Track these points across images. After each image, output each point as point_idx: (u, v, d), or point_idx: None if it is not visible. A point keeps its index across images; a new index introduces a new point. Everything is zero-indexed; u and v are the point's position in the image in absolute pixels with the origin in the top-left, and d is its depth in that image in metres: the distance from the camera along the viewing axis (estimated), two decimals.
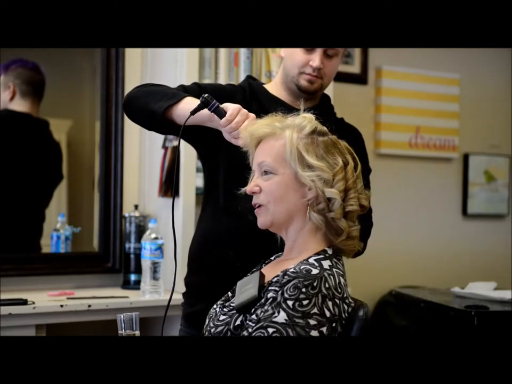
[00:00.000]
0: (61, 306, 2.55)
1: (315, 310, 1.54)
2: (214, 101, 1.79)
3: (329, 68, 2.03)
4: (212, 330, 1.66)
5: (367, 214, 1.79)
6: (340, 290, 1.60)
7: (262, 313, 1.57)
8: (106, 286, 2.98)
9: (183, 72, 2.81)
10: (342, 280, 1.63)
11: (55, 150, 3.05)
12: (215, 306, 1.75)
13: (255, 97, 2.07)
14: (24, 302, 2.50)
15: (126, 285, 2.95)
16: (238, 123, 1.78)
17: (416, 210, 4.03)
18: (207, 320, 1.74)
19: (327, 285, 1.57)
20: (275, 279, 1.61)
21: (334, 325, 1.57)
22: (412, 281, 3.88)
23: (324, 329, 1.55)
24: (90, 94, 3.12)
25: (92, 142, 3.10)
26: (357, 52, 3.81)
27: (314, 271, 1.59)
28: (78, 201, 3.17)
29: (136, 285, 2.88)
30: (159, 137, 2.90)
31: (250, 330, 1.57)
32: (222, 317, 1.67)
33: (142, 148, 3.09)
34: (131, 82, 2.87)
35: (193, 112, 1.81)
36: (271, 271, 1.69)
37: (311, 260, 1.63)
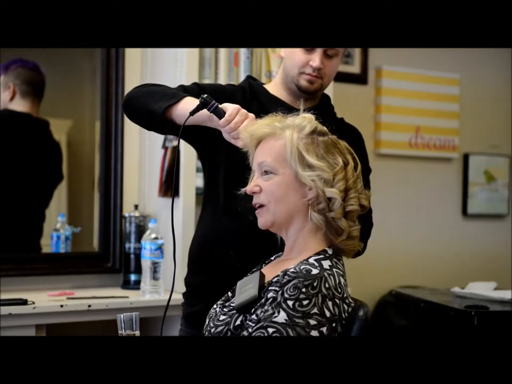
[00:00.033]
0: (61, 306, 2.55)
1: (315, 310, 1.54)
2: (213, 101, 1.79)
3: (329, 68, 2.03)
4: (212, 330, 1.66)
5: (367, 214, 1.79)
6: (340, 290, 1.60)
7: (262, 313, 1.57)
8: (106, 286, 2.98)
9: (183, 72, 2.81)
10: (342, 280, 1.63)
11: (55, 150, 3.05)
12: (215, 306, 1.75)
13: (255, 97, 2.07)
14: (24, 302, 2.50)
15: (126, 285, 2.95)
16: (237, 123, 1.78)
17: (416, 210, 4.03)
18: (207, 320, 1.74)
19: (327, 285, 1.58)
20: (275, 279, 1.61)
21: (334, 325, 1.57)
22: (412, 281, 3.88)
23: (324, 329, 1.55)
24: (90, 94, 3.12)
25: (92, 142, 3.10)
26: (357, 52, 3.81)
27: (314, 271, 1.59)
28: (78, 201, 3.17)
29: (136, 285, 2.88)
30: (159, 137, 2.90)
31: (250, 330, 1.57)
32: (222, 317, 1.67)
33: (142, 148, 3.09)
34: (131, 82, 2.87)
35: (193, 112, 1.81)
36: (271, 271, 1.69)
37: (311, 260, 1.63)
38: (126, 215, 2.98)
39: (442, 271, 4.02)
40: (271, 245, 1.81)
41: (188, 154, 2.77)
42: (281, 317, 1.53)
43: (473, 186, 4.18)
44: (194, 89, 2.01)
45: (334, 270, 1.63)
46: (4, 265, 2.77)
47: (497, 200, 4.26)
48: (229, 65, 2.94)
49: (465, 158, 4.17)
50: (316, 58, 1.99)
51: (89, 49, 3.04)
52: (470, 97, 4.15)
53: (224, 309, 1.70)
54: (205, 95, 1.80)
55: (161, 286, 2.74)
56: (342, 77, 3.55)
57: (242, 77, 2.88)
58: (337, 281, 1.61)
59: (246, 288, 1.65)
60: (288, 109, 1.80)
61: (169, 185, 2.85)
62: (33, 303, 2.51)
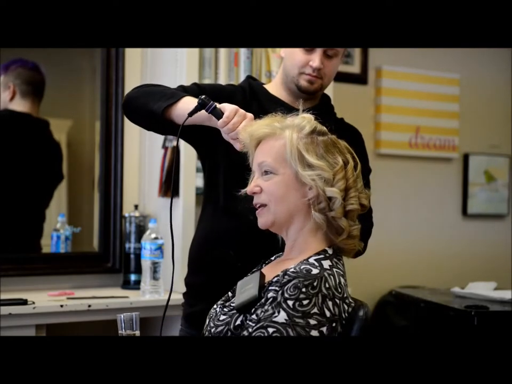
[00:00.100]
0: (61, 306, 2.55)
1: (315, 310, 1.54)
2: (211, 102, 1.79)
3: (329, 68, 2.03)
4: (212, 330, 1.66)
5: (367, 214, 1.79)
6: (340, 290, 1.60)
7: (262, 313, 1.57)
8: (106, 286, 2.98)
9: (183, 72, 2.81)
10: (342, 280, 1.63)
11: (55, 150, 3.05)
12: (215, 306, 1.75)
13: (255, 98, 2.07)
14: (24, 302, 2.50)
15: (126, 285, 2.95)
16: (235, 124, 1.78)
17: (416, 210, 4.03)
18: (207, 320, 1.74)
19: (327, 285, 1.58)
20: (275, 279, 1.61)
21: (334, 324, 1.57)
22: (412, 281, 3.88)
23: (324, 329, 1.55)
24: (90, 94, 3.12)
25: (92, 142, 3.10)
26: (357, 52, 3.81)
27: (315, 271, 1.59)
28: (78, 201, 3.17)
29: (136, 285, 2.88)
30: (159, 137, 2.90)
31: (250, 330, 1.57)
32: (222, 317, 1.67)
33: (142, 148, 3.09)
34: (131, 82, 2.87)
35: (191, 113, 1.81)
36: (271, 271, 1.69)
37: (311, 260, 1.63)
38: (126, 215, 2.98)
39: (442, 271, 4.02)
40: (271, 245, 1.81)
41: (188, 154, 2.77)
42: (281, 316, 1.53)
43: (473, 186, 4.18)
44: (194, 90, 2.01)
45: (334, 270, 1.63)
46: (4, 265, 2.77)
47: (497, 200, 4.26)
48: (229, 65, 2.94)
49: (465, 158, 4.17)
50: (315, 58, 1.99)
51: (89, 49, 3.04)
52: (470, 97, 4.15)
53: (224, 309, 1.70)
54: (203, 96, 1.80)
55: (161, 286, 2.74)
56: (342, 77, 3.55)
57: (242, 77, 2.88)
58: (338, 281, 1.61)
59: (246, 288, 1.65)
60: (288, 109, 1.80)
61: (169, 185, 2.85)
62: (33, 303, 2.51)
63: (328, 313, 1.56)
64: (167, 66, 2.92)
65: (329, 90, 2.39)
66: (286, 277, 1.58)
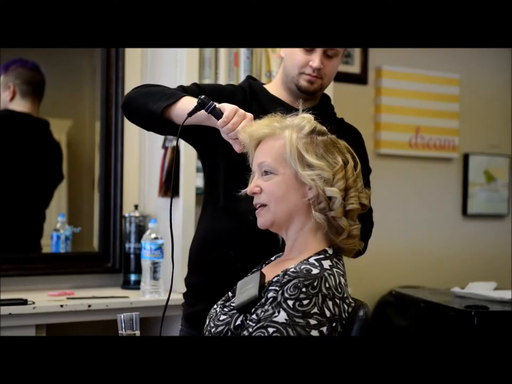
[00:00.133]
0: (61, 306, 2.55)
1: (315, 310, 1.54)
2: (211, 102, 1.79)
3: (329, 68, 2.03)
4: (212, 330, 1.66)
5: (367, 213, 1.79)
6: (340, 290, 1.60)
7: (262, 313, 1.57)
8: (106, 286, 2.98)
9: (183, 72, 2.81)
10: (342, 280, 1.63)
11: (55, 150, 3.05)
12: (215, 306, 1.75)
13: (255, 98, 2.07)
14: (24, 302, 2.50)
15: (126, 285, 2.95)
16: (235, 124, 1.78)
17: (416, 210, 4.03)
18: (207, 320, 1.74)
19: (327, 285, 1.58)
20: (275, 279, 1.61)
21: (334, 324, 1.57)
22: (412, 281, 3.88)
23: (324, 329, 1.55)
24: (90, 94, 3.12)
25: (92, 142, 3.10)
26: (357, 52, 3.81)
27: (315, 271, 1.59)
28: (78, 201, 3.17)
29: (136, 285, 2.88)
30: (159, 137, 2.90)
31: (250, 330, 1.57)
32: (222, 317, 1.67)
33: (142, 148, 3.09)
34: (131, 82, 2.87)
35: (190, 113, 1.81)
36: (271, 271, 1.69)
37: (312, 260, 1.63)
38: (126, 215, 2.98)
39: (442, 271, 4.02)
40: (272, 245, 1.81)
41: (188, 154, 2.77)
42: (282, 316, 1.53)
43: (473, 186, 4.18)
44: (193, 90, 2.01)
45: (334, 270, 1.63)
46: (4, 265, 2.77)
47: (497, 200, 4.26)
48: (229, 65, 2.94)
49: (465, 158, 4.17)
50: (315, 58, 1.99)
51: (89, 49, 3.04)
52: (470, 97, 4.15)
53: (225, 309, 1.70)
54: (203, 96, 1.80)
55: (161, 286, 2.74)
56: (342, 77, 3.55)
57: (242, 77, 2.88)
58: (338, 281, 1.61)
59: (246, 288, 1.65)
60: (288, 109, 1.80)
61: (169, 185, 2.85)
62: (33, 303, 2.51)
63: (328, 313, 1.56)
64: (167, 66, 2.92)
65: (329, 90, 2.39)
66: (286, 276, 1.58)
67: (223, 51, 2.92)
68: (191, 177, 2.82)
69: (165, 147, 2.90)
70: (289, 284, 1.56)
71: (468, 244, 4.14)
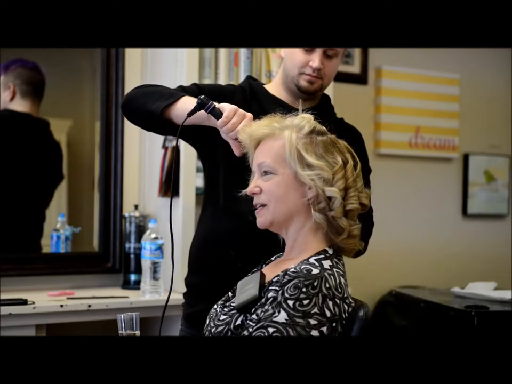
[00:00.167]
0: (61, 306, 2.55)
1: (315, 310, 1.54)
2: (210, 102, 1.80)
3: (329, 68, 2.03)
4: (213, 330, 1.66)
5: (367, 213, 1.79)
6: (340, 290, 1.60)
7: (263, 313, 1.57)
8: (106, 286, 2.98)
9: (183, 72, 2.81)
10: (342, 280, 1.63)
11: (55, 150, 3.05)
12: (215, 306, 1.75)
13: (255, 98, 2.07)
14: (24, 302, 2.50)
15: (126, 285, 2.95)
16: (235, 124, 1.78)
17: (416, 210, 4.03)
18: (207, 320, 1.74)
19: (327, 285, 1.58)
20: (275, 278, 1.61)
21: (334, 324, 1.57)
22: (412, 281, 3.88)
23: (324, 329, 1.55)
24: (90, 94, 3.12)
25: (92, 142, 3.10)
26: (357, 52, 3.81)
27: (315, 271, 1.59)
28: (78, 201, 3.17)
29: (136, 285, 2.88)
30: (159, 137, 2.90)
31: (250, 330, 1.57)
32: (222, 317, 1.67)
33: (142, 148, 3.09)
34: (131, 82, 2.87)
35: (190, 114, 1.81)
36: (271, 271, 1.69)
37: (312, 260, 1.63)
38: (126, 215, 2.98)
39: (442, 271, 4.02)
40: (272, 245, 1.81)
41: (188, 154, 2.77)
42: (282, 316, 1.53)
43: (473, 186, 4.18)
44: (193, 90, 2.01)
45: (335, 270, 1.63)
46: (4, 265, 2.77)
47: (497, 200, 4.26)
48: (229, 65, 2.94)
49: (465, 158, 4.17)
50: (315, 58, 1.99)
51: (89, 49, 3.04)
52: (470, 97, 4.15)
53: (225, 309, 1.70)
54: (202, 96, 1.80)
55: (161, 286, 2.74)
56: (342, 77, 3.55)
57: (242, 77, 2.88)
58: (338, 281, 1.61)
59: (247, 288, 1.65)
60: (288, 109, 1.80)
61: (169, 185, 2.85)
62: (33, 303, 2.51)
63: (328, 313, 1.56)
64: (167, 66, 2.92)
65: (329, 90, 2.39)
66: (286, 276, 1.58)
67: (223, 51, 2.92)
68: (191, 177, 2.82)
69: (165, 147, 2.90)
70: (290, 284, 1.56)
71: (468, 244, 4.14)
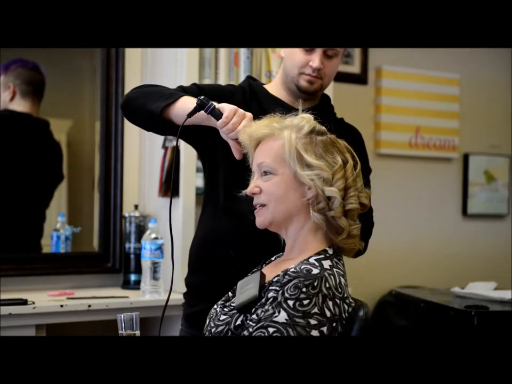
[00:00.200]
0: (61, 306, 2.55)
1: (315, 310, 1.54)
2: (210, 102, 1.79)
3: (329, 68, 2.03)
4: (213, 330, 1.66)
5: (367, 213, 1.79)
6: (340, 290, 1.60)
7: (263, 313, 1.57)
8: (106, 286, 2.98)
9: (183, 72, 2.81)
10: (342, 280, 1.63)
11: (55, 150, 3.05)
12: (215, 306, 1.75)
13: (255, 98, 2.07)
14: (24, 302, 2.50)
15: (126, 285, 2.95)
16: (235, 124, 1.78)
17: (416, 210, 4.03)
18: (207, 320, 1.74)
19: (327, 285, 1.58)
20: (275, 279, 1.61)
21: (334, 324, 1.57)
22: (412, 281, 3.88)
23: (324, 329, 1.55)
24: (90, 94, 3.12)
25: (92, 142, 3.10)
26: (357, 52, 3.81)
27: (315, 271, 1.59)
28: (78, 201, 3.17)
29: (136, 285, 2.88)
30: (159, 137, 2.90)
31: (250, 330, 1.57)
32: (222, 317, 1.67)
33: (142, 148, 3.09)
34: (131, 82, 2.87)
35: (190, 114, 1.81)
36: (271, 271, 1.69)
37: (312, 260, 1.63)
38: (126, 215, 2.98)
39: (442, 271, 4.02)
40: (272, 245, 1.81)
41: (188, 154, 2.77)
42: (282, 316, 1.53)
43: (473, 186, 4.18)
44: (193, 90, 2.01)
45: (335, 270, 1.63)
46: (4, 265, 2.77)
47: (497, 200, 4.26)
48: (229, 65, 2.94)
49: (465, 158, 4.17)
50: (315, 58, 1.99)
51: (89, 49, 3.04)
52: (470, 97, 4.15)
53: (225, 309, 1.70)
54: (202, 97, 1.80)
55: (161, 286, 2.74)
56: (342, 77, 3.55)
57: (242, 77, 2.88)
58: (338, 281, 1.61)
59: (247, 288, 1.65)
60: (288, 109, 1.80)
61: (169, 185, 2.85)
62: (33, 303, 2.51)
63: (328, 313, 1.56)
64: (167, 66, 2.92)
65: (329, 90, 2.39)
66: (286, 276, 1.58)
67: (223, 51, 2.92)
68: (191, 177, 2.82)
69: (165, 147, 2.90)
70: (290, 284, 1.56)
71: (468, 243, 4.14)
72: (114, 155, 3.01)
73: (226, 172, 2.02)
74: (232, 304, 1.69)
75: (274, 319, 1.53)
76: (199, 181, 2.81)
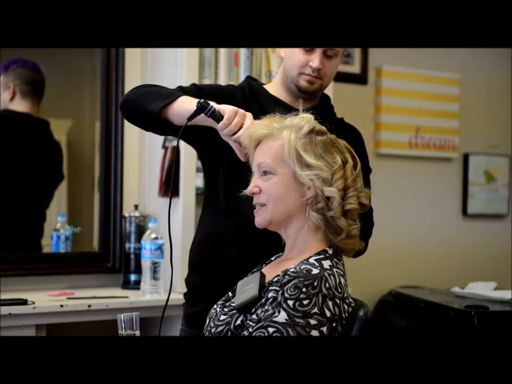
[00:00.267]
0: (61, 306, 2.55)
1: (315, 310, 1.54)
2: (210, 105, 1.79)
3: (329, 68, 2.03)
4: (213, 330, 1.66)
5: (367, 213, 1.79)
6: (340, 290, 1.60)
7: (263, 313, 1.57)
8: (106, 286, 2.98)
9: (183, 72, 2.81)
10: (342, 280, 1.63)
11: (55, 150, 3.05)
12: (215, 306, 1.75)
13: (255, 98, 2.07)
14: (24, 302, 2.50)
15: (126, 285, 2.95)
16: (237, 125, 1.78)
17: (416, 210, 4.03)
18: (207, 320, 1.74)
19: (327, 285, 1.58)
20: (275, 279, 1.61)
21: (334, 324, 1.57)
22: (412, 281, 3.88)
23: (324, 329, 1.55)
24: (90, 94, 3.12)
25: (92, 142, 3.10)
26: (357, 52, 3.81)
27: (315, 271, 1.59)
28: (78, 201, 3.17)
29: (136, 285, 2.88)
30: (159, 137, 2.90)
31: (250, 330, 1.57)
32: (222, 317, 1.67)
33: (142, 148, 3.09)
34: (131, 82, 2.87)
35: (190, 118, 1.81)
36: (271, 271, 1.69)
37: (312, 260, 1.63)
38: (126, 215, 2.98)
39: (442, 271, 4.02)
40: (272, 245, 1.81)
41: (188, 154, 2.77)
42: (282, 316, 1.53)
43: (473, 186, 4.18)
44: (192, 90, 2.01)
45: (334, 270, 1.63)
46: (4, 265, 2.77)
47: (497, 200, 4.26)
48: (229, 65, 2.94)
49: (465, 158, 4.17)
50: (315, 58, 1.99)
51: (89, 49, 3.04)
52: (470, 97, 4.15)
53: (225, 309, 1.70)
54: (202, 100, 1.80)
55: (161, 286, 2.74)
56: (342, 77, 3.55)
57: (242, 77, 2.88)
58: (338, 281, 1.61)
59: (247, 288, 1.65)
60: (288, 109, 1.80)
61: (169, 185, 2.85)
62: (33, 303, 2.51)
63: (328, 313, 1.56)
64: (167, 66, 2.92)
65: (329, 90, 2.39)
66: (286, 277, 1.58)
67: (223, 51, 2.92)
68: (191, 177, 2.82)
69: (165, 147, 2.90)
70: (290, 284, 1.56)
71: (468, 243, 4.14)
72: (114, 155, 3.01)
73: (227, 172, 2.01)
74: (232, 304, 1.69)
75: (274, 319, 1.53)
76: (199, 181, 2.81)
